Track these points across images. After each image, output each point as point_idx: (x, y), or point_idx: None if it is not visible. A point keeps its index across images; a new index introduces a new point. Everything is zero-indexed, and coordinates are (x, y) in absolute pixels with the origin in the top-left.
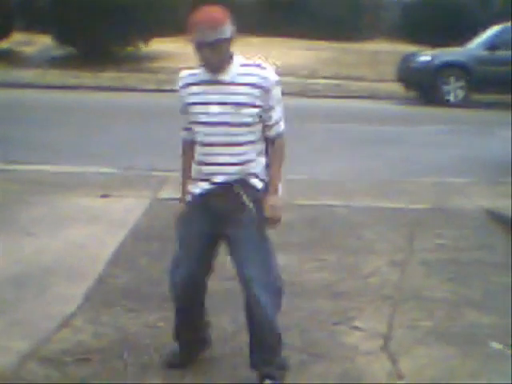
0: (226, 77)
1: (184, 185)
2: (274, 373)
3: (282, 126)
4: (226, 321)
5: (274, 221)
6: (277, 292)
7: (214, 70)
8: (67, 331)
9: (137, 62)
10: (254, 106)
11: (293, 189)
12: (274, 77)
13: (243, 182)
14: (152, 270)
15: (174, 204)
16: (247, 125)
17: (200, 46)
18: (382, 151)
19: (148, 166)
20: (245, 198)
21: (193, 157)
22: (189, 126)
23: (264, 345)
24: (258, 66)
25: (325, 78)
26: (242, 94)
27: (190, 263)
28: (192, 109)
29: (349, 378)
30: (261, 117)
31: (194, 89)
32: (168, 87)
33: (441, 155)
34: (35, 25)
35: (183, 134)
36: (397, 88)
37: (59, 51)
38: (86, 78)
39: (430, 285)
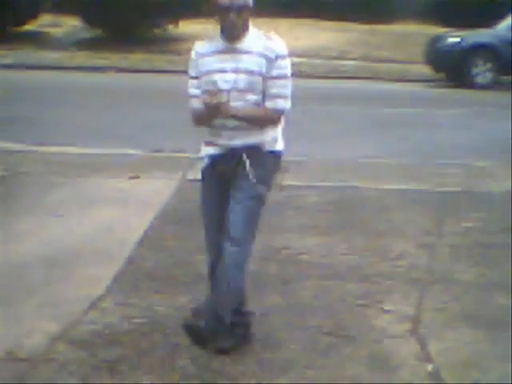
0: (241, 45)
1: None
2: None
3: (281, 103)
4: (252, 304)
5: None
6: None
7: (235, 35)
8: (96, 313)
9: (165, 43)
10: (261, 75)
11: (321, 170)
12: (280, 49)
13: (253, 148)
14: (180, 252)
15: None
16: (259, 93)
17: (227, 9)
18: (410, 134)
19: (176, 147)
20: (248, 167)
21: None
22: (199, 93)
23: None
24: (269, 38)
25: (353, 59)
26: (254, 63)
27: (213, 231)
28: (209, 76)
29: (377, 360)
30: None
31: (211, 58)
32: None
33: (468, 138)
34: (62, 6)
35: (196, 103)
36: (425, 70)
37: (87, 33)
38: (114, 59)
39: (458, 268)
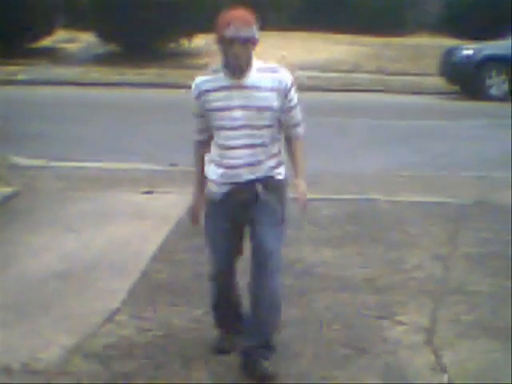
0: (247, 81)
1: (200, 184)
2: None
3: (301, 131)
4: None
5: (304, 203)
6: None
7: (240, 69)
8: (112, 326)
9: (180, 58)
10: (273, 109)
11: (336, 183)
12: (289, 79)
13: (265, 178)
14: (195, 265)
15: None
16: (268, 126)
17: (233, 42)
18: (425, 145)
19: (191, 162)
20: (264, 194)
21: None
22: (204, 128)
23: (268, 321)
24: (274, 69)
25: (367, 72)
26: (263, 98)
27: (220, 261)
28: (214, 114)
29: (392, 372)
30: (279, 118)
31: (215, 95)
32: None
33: (483, 149)
34: (77, 22)
35: (198, 136)
36: (440, 82)
37: (102, 48)
38: (130, 74)
39: (473, 279)
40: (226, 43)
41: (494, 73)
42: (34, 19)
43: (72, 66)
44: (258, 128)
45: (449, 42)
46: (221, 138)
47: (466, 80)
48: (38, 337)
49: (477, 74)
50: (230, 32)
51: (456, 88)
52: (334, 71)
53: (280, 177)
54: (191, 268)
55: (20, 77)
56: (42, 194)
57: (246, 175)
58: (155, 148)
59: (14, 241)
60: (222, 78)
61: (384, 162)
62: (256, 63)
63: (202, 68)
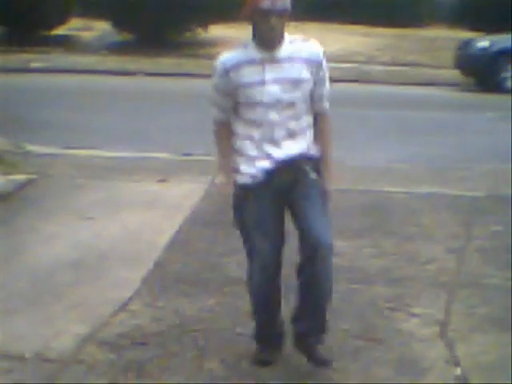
0: (280, 53)
1: (226, 166)
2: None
3: (327, 104)
4: (282, 307)
5: (330, 197)
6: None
7: (274, 42)
8: (125, 315)
9: (195, 47)
10: (307, 81)
11: (351, 175)
12: (322, 51)
13: (304, 155)
14: (209, 255)
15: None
16: (303, 99)
17: (269, 14)
18: (439, 138)
19: (205, 151)
20: (311, 172)
21: (229, 137)
22: (228, 107)
23: (323, 306)
24: (307, 41)
25: (382, 64)
26: (297, 70)
27: (269, 252)
28: (245, 90)
29: (406, 364)
30: (311, 91)
31: (246, 69)
32: None
33: (497, 142)
34: (92, 10)
35: (220, 115)
36: (454, 75)
37: (117, 37)
38: (145, 63)
39: (486, 272)
40: (260, 15)
41: (509, 66)
42: (48, 7)
43: (87, 54)
44: (293, 101)
45: (464, 34)
46: (253, 114)
47: (481, 72)
48: (50, 325)
49: (492, 67)
50: (265, 4)
51: (471, 80)
52: (349, 62)
53: (316, 153)
54: (205, 258)
55: (34, 65)
56: (55, 181)
57: (283, 151)
58: (170, 137)
59: (27, 228)
60: (252, 52)
61: (398, 153)
62: (288, 36)
63: (216, 57)
